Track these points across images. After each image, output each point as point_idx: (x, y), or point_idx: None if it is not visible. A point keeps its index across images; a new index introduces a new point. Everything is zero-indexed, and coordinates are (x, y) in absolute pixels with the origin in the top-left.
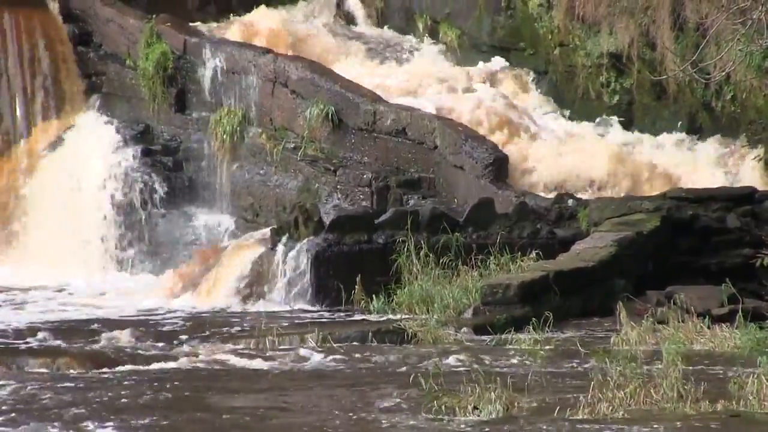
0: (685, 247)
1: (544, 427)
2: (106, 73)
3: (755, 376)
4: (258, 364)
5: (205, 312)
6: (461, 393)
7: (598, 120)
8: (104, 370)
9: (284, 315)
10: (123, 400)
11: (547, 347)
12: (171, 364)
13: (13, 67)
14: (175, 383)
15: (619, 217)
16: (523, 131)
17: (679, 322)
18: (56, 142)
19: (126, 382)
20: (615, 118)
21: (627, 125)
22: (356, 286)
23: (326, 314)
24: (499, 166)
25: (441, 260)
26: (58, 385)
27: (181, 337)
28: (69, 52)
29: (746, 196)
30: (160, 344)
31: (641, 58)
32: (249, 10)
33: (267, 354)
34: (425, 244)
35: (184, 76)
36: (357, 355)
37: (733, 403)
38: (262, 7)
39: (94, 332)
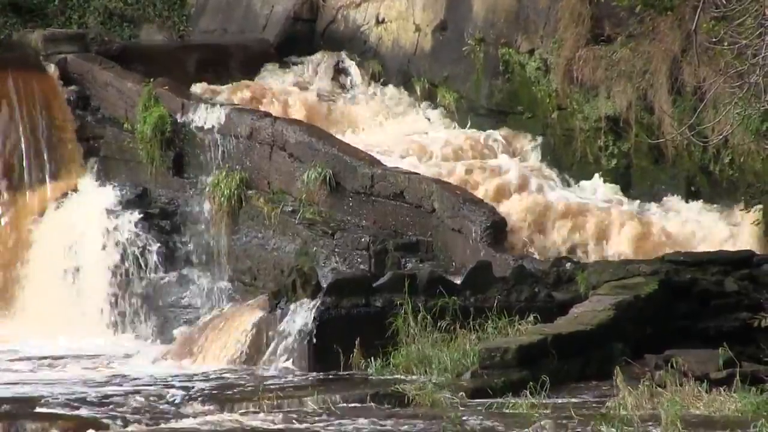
0: (683, 311)
1: None
2: (104, 137)
3: None
4: (259, 424)
5: (204, 376)
6: None
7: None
8: None
9: (282, 378)
10: None
11: (545, 411)
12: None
13: (14, 132)
14: None
15: (618, 280)
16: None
17: (677, 386)
18: (55, 206)
19: None
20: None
21: (625, 189)
22: (355, 349)
23: (324, 377)
24: (497, 230)
25: (439, 324)
26: None
27: (181, 400)
28: (67, 116)
29: (744, 260)
30: (162, 408)
31: (639, 122)
32: (247, 75)
33: (266, 417)
34: (423, 307)
35: (182, 140)
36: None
37: None
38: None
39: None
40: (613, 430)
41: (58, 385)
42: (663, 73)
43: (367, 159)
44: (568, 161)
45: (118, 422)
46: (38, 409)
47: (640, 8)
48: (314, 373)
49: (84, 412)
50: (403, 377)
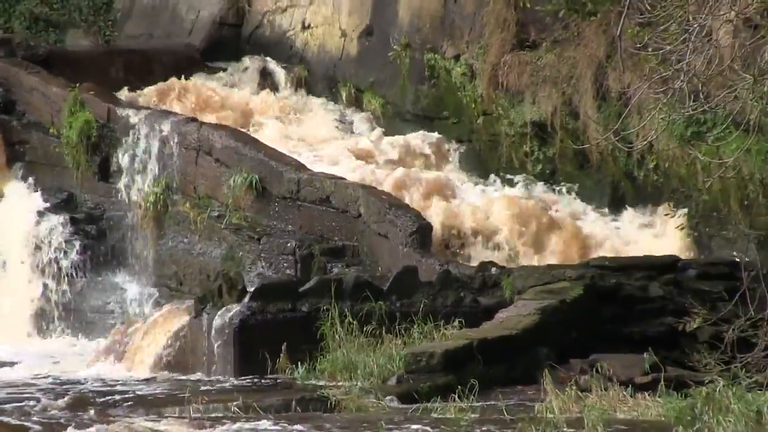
0: (608, 316)
1: None
2: (30, 142)
3: None
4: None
5: (129, 381)
6: None
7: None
8: None
9: (208, 383)
10: None
11: (473, 415)
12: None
13: None
14: None
15: (543, 285)
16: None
17: (602, 390)
18: None
19: None
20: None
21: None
22: (281, 354)
23: (250, 382)
24: (423, 234)
25: (365, 328)
26: None
27: (104, 405)
28: None
29: (669, 265)
30: (85, 413)
31: (564, 127)
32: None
33: (192, 422)
34: (349, 312)
35: (107, 145)
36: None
37: None
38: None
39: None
40: None
41: None
42: (588, 79)
43: (293, 164)
44: (494, 166)
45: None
46: None
47: (564, 13)
48: (240, 379)
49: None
50: (329, 382)
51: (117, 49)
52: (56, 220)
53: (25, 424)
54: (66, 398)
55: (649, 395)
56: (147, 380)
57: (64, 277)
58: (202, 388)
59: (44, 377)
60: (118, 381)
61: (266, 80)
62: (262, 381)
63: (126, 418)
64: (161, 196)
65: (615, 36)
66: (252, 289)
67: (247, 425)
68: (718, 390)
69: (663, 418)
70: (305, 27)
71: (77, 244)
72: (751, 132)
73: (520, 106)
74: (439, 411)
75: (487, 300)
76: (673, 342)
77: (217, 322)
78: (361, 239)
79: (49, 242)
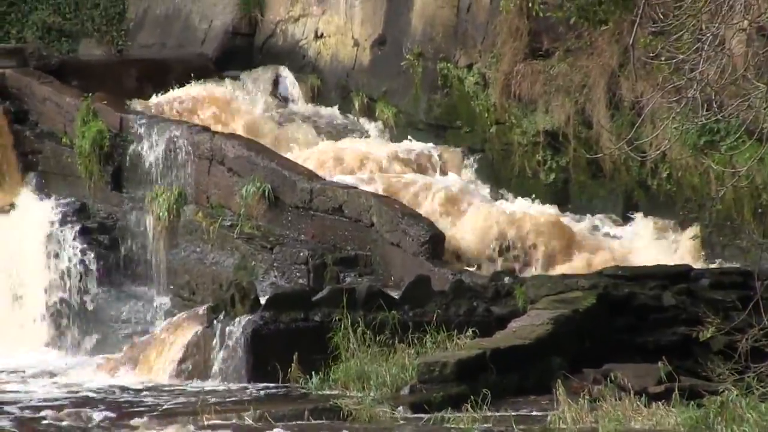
0: (621, 325)
1: None
2: (43, 152)
3: None
4: None
5: (142, 390)
6: None
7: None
8: None
9: (221, 392)
10: None
11: (485, 425)
12: None
13: None
14: None
15: (556, 294)
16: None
17: (616, 400)
18: None
19: None
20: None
21: (563, 203)
22: (293, 364)
23: (263, 392)
24: (436, 244)
25: (378, 338)
26: None
27: (118, 414)
28: (5, 131)
29: (682, 274)
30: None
31: (577, 137)
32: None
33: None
34: (362, 321)
35: (120, 154)
36: None
37: None
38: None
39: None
40: None
41: None
42: (601, 88)
43: (305, 173)
44: (507, 176)
45: None
46: None
47: (575, 20)
48: (253, 388)
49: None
50: (342, 392)
51: (130, 58)
52: (69, 229)
53: None
54: (76, 407)
55: (662, 405)
56: (159, 389)
57: (76, 286)
58: (215, 398)
59: (57, 387)
60: (131, 390)
61: (278, 89)
62: (275, 391)
63: (137, 428)
64: (174, 206)
65: (628, 45)
66: (265, 299)
67: None
68: (731, 400)
69: (677, 428)
70: (318, 36)
71: (90, 253)
72: (765, 141)
73: (532, 115)
74: (452, 421)
75: (500, 309)
76: (687, 351)
77: (229, 331)
78: (373, 248)
79: (62, 252)
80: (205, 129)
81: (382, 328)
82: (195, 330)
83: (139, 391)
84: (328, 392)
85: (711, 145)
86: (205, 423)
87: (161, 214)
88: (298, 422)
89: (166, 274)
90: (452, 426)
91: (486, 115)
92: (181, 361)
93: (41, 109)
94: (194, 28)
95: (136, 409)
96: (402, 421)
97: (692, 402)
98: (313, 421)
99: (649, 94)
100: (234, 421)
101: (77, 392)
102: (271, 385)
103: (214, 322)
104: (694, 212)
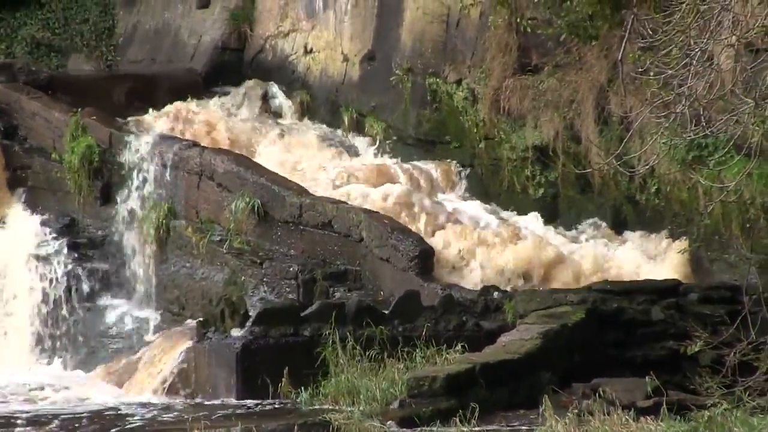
0: (610, 340)
1: None
2: (32, 167)
3: None
4: None
5: (131, 405)
6: None
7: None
8: None
9: (211, 407)
10: None
11: None
12: None
13: None
14: None
15: (545, 309)
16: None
17: (604, 414)
18: None
19: None
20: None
21: (551, 218)
22: (283, 379)
23: (253, 407)
24: (425, 259)
25: (367, 353)
26: None
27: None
28: None
29: (671, 289)
30: None
31: (566, 152)
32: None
33: None
34: (351, 336)
35: (109, 169)
36: None
37: None
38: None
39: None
40: None
41: None
42: (590, 103)
43: (295, 188)
44: (496, 190)
45: None
46: None
47: (565, 37)
48: (243, 403)
49: None
50: (331, 407)
51: (119, 74)
52: (58, 244)
53: None
54: (62, 424)
55: (651, 419)
56: (149, 405)
57: (65, 301)
58: (204, 412)
59: (44, 403)
60: (120, 406)
61: (268, 104)
62: (265, 405)
63: None
64: (163, 221)
65: (617, 60)
66: (254, 314)
67: None
68: (719, 414)
69: None
70: (307, 51)
71: (79, 269)
72: (753, 156)
73: (521, 130)
74: None
75: (490, 324)
76: (675, 366)
77: (219, 346)
78: (363, 264)
79: (51, 267)
80: (195, 144)
81: (372, 342)
82: (185, 345)
83: (128, 405)
84: (317, 407)
85: (699, 160)
86: None
87: (150, 229)
88: None
89: (156, 289)
90: None
91: (475, 130)
92: (171, 376)
93: (30, 125)
94: (183, 43)
95: (125, 426)
96: None
97: (680, 416)
98: None
99: (637, 109)
100: None
101: (64, 409)
102: (261, 400)
103: (204, 337)
104: (683, 227)
